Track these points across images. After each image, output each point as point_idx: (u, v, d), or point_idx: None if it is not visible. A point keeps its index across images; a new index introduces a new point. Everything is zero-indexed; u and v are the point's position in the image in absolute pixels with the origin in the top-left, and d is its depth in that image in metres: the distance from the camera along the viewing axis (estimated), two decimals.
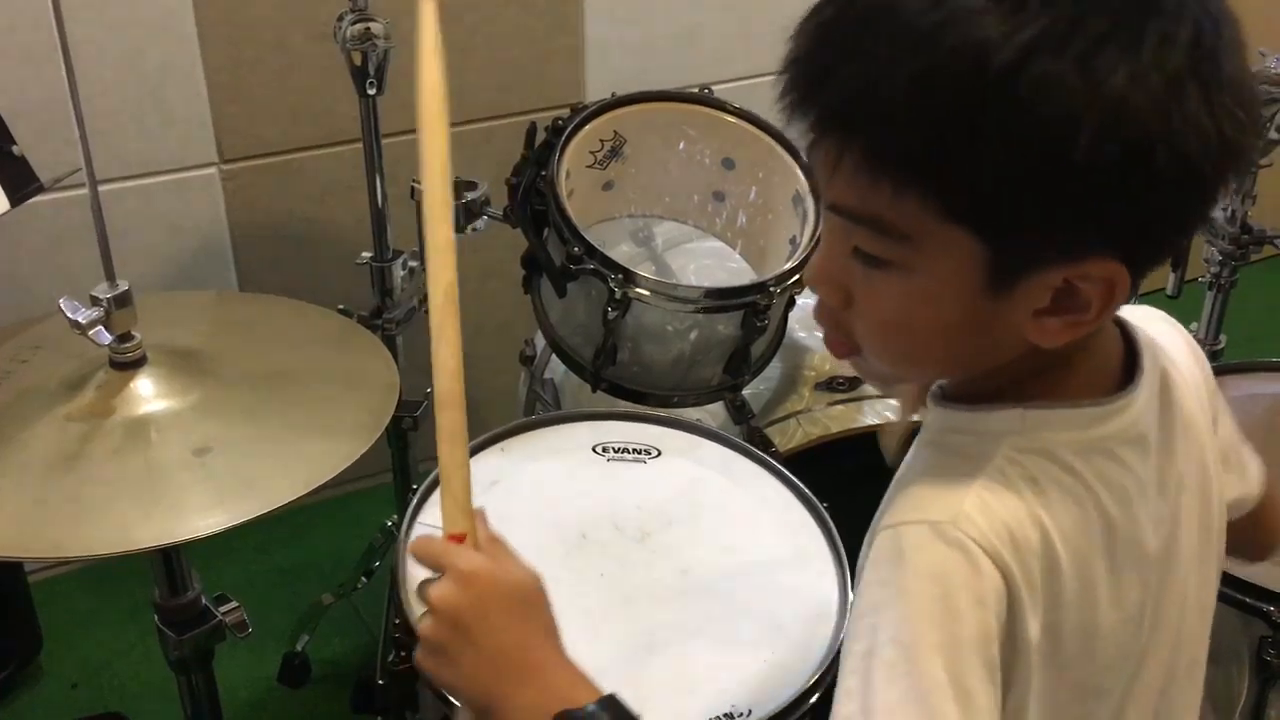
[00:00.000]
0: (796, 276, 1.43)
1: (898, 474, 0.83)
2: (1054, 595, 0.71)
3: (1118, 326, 0.78)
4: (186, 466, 0.99)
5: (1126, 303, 0.70)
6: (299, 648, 1.86)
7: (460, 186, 1.54)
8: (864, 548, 0.78)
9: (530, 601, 0.79)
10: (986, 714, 0.67)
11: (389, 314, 1.54)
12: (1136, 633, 0.78)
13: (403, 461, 1.69)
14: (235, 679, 1.86)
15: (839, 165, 0.66)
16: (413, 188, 1.56)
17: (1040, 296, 0.67)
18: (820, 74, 0.67)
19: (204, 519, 0.96)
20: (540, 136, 1.47)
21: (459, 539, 0.79)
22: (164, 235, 1.94)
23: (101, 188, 1.04)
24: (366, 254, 1.57)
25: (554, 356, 1.74)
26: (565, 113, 1.48)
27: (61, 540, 0.92)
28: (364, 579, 1.82)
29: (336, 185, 2.01)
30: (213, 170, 1.95)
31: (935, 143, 0.63)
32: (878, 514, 0.80)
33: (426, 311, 1.62)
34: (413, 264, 1.61)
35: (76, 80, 1.00)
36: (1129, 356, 0.77)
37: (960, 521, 0.68)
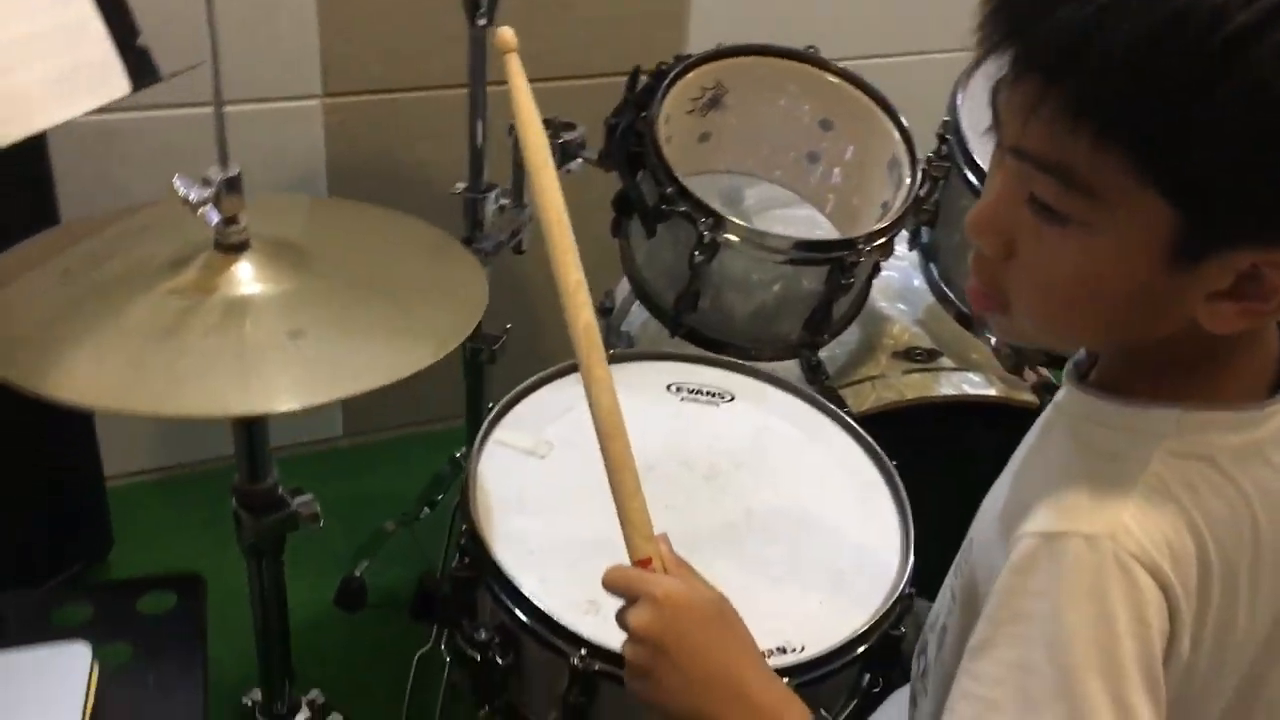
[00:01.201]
0: (884, 239, 1.44)
1: (1025, 455, 0.81)
2: (1205, 604, 0.69)
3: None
4: (279, 347, 1.02)
5: None
6: (357, 572, 1.90)
7: (558, 127, 1.56)
8: (990, 537, 0.76)
9: (726, 618, 0.82)
10: None
11: (478, 244, 1.56)
12: (1266, 642, 0.75)
13: (476, 395, 1.71)
14: (294, 599, 1.90)
15: (1036, 109, 0.63)
16: (510, 126, 1.59)
17: (1222, 278, 0.64)
18: (1033, 10, 0.63)
19: (291, 396, 0.98)
20: (643, 82, 1.48)
21: (645, 564, 0.83)
22: (262, 163, 1.97)
23: (206, 109, 1.07)
24: (461, 184, 1.60)
25: (631, 309, 1.76)
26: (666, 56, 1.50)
27: (158, 398, 0.95)
28: (427, 509, 1.85)
29: (432, 129, 2.04)
30: (316, 103, 1.99)
31: (1152, 103, 0.59)
32: (1000, 498, 0.79)
33: (514, 249, 1.66)
34: (504, 201, 1.63)
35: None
36: None
37: (1120, 536, 0.66)
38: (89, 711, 0.87)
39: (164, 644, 0.95)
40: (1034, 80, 0.63)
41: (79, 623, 0.95)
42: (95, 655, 0.90)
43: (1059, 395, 0.80)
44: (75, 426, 1.83)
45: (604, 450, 0.84)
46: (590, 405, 0.84)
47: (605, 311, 1.78)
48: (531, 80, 2.13)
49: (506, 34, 0.94)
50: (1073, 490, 0.70)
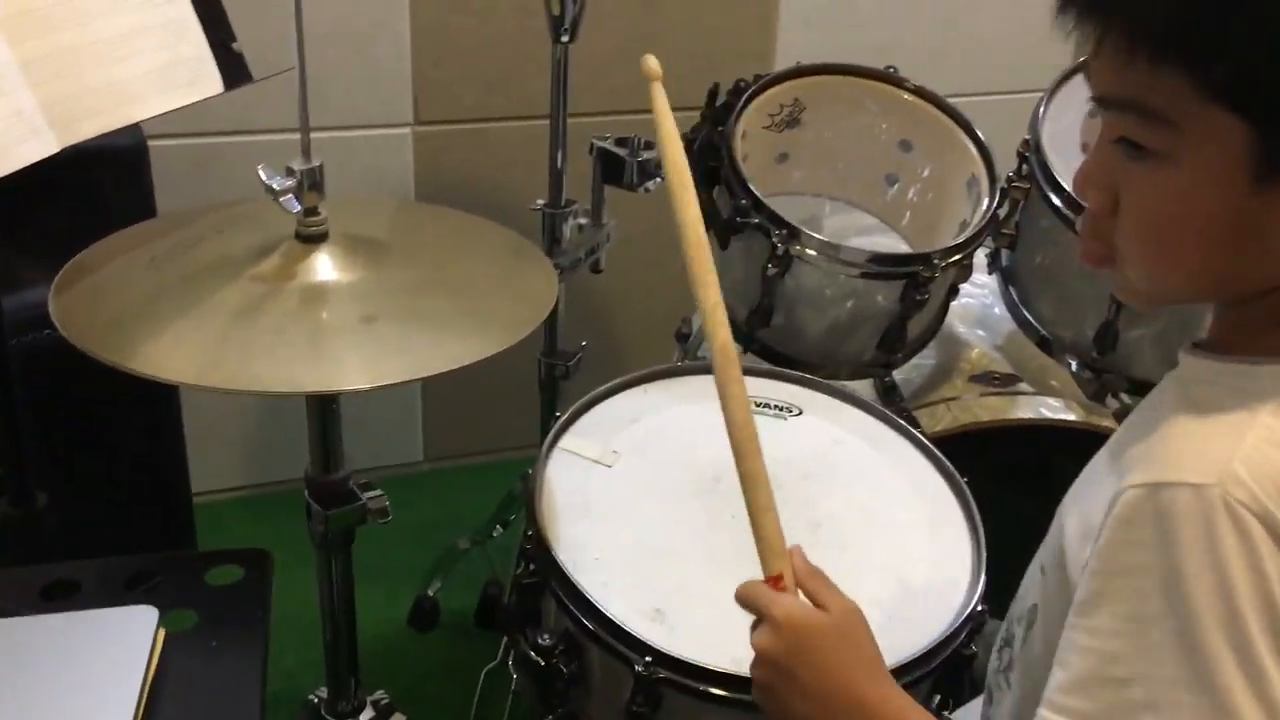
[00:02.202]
0: (961, 254, 1.43)
1: (1129, 420, 0.81)
2: None
3: None
4: (352, 330, 1.05)
5: None
6: (431, 592, 1.91)
7: (638, 146, 1.59)
8: (1087, 497, 0.76)
9: (847, 636, 0.83)
10: None
11: (556, 260, 1.58)
12: None
13: (551, 410, 1.72)
14: (366, 617, 1.92)
15: (1100, 49, 0.66)
16: (592, 145, 1.62)
17: None
18: None
19: (362, 376, 1.01)
20: (722, 98, 1.50)
21: (776, 581, 0.86)
22: (352, 187, 2.04)
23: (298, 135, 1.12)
24: (541, 200, 1.63)
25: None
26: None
27: (234, 375, 0.98)
28: (500, 528, 1.86)
29: (520, 157, 2.09)
30: (407, 130, 2.05)
31: (1193, 12, 0.62)
32: (1101, 460, 0.80)
33: (591, 267, 1.68)
34: (583, 219, 1.65)
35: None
36: None
37: (1228, 484, 0.65)
38: (153, 671, 0.89)
39: (228, 614, 0.97)
40: (1094, 21, 0.66)
41: (149, 589, 0.98)
42: (161, 619, 0.92)
43: (1173, 371, 0.80)
44: (165, 440, 1.89)
45: (739, 469, 0.88)
46: (725, 422, 0.88)
47: (683, 338, 1.79)
48: (615, 112, 2.19)
49: (651, 63, 0.99)
50: (1178, 442, 0.70)
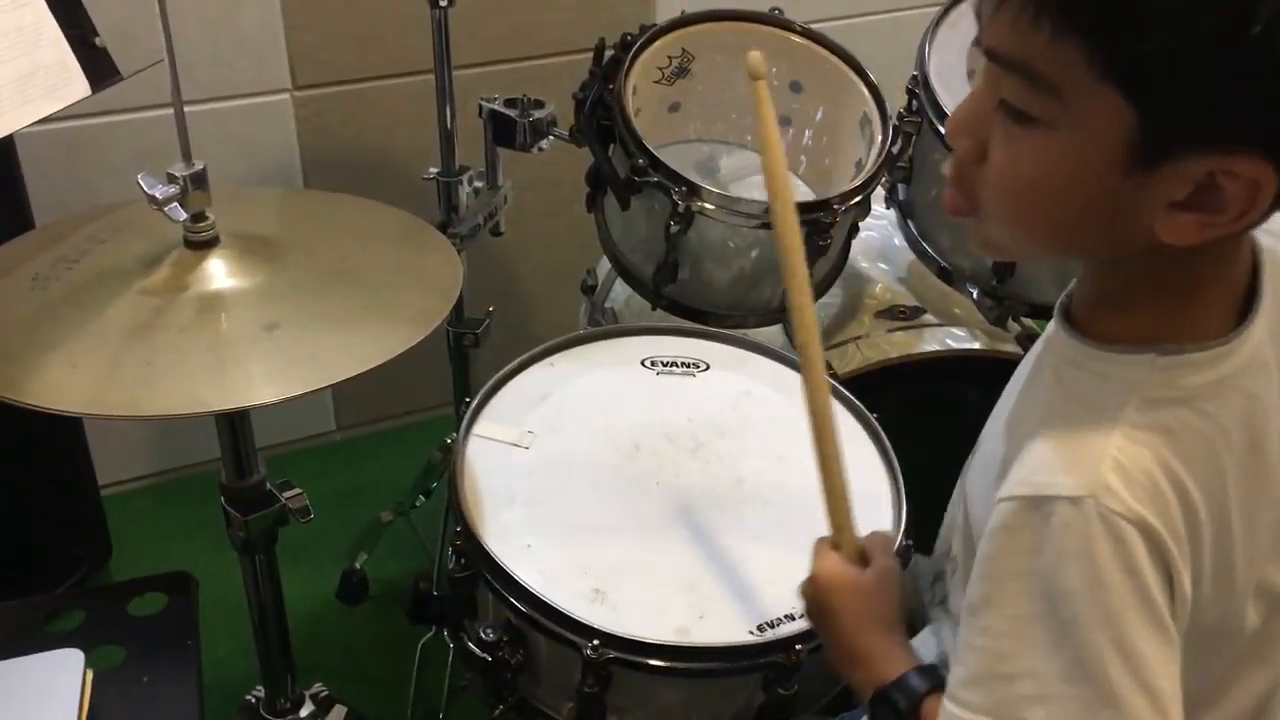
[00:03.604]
0: (859, 198, 1.43)
1: (1018, 395, 0.83)
2: (1196, 542, 0.71)
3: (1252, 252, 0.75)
4: (255, 340, 1.02)
5: (1265, 219, 0.67)
6: (357, 565, 1.90)
7: (527, 105, 1.56)
8: (987, 480, 0.78)
9: (868, 595, 0.94)
10: (1160, 667, 0.68)
11: (454, 229, 1.55)
12: (1272, 555, 0.77)
13: (463, 380, 1.71)
14: (295, 595, 1.89)
15: (1003, 4, 0.65)
16: (480, 106, 1.58)
17: (1179, 187, 0.65)
18: None
19: (269, 388, 0.98)
20: (609, 54, 1.47)
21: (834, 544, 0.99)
22: (235, 158, 1.97)
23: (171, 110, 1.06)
24: (434, 169, 1.59)
25: (614, 285, 1.75)
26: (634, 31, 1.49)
27: (135, 401, 0.95)
28: (422, 497, 1.85)
29: (405, 115, 2.03)
30: (285, 96, 1.98)
31: None
32: (996, 438, 0.82)
33: (491, 231, 1.65)
34: (478, 183, 1.62)
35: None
36: (1253, 279, 0.74)
37: (1102, 495, 0.68)
38: (84, 716, 0.87)
39: (156, 644, 0.95)
40: None
41: (71, 629, 0.95)
42: (88, 660, 0.90)
43: (1048, 328, 0.81)
44: (66, 437, 1.83)
45: (817, 450, 1.02)
46: (809, 411, 1.02)
47: (589, 290, 1.78)
48: (499, 61, 2.13)
49: (756, 60, 1.02)
50: (1053, 447, 0.72)
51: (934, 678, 0.83)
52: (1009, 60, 0.67)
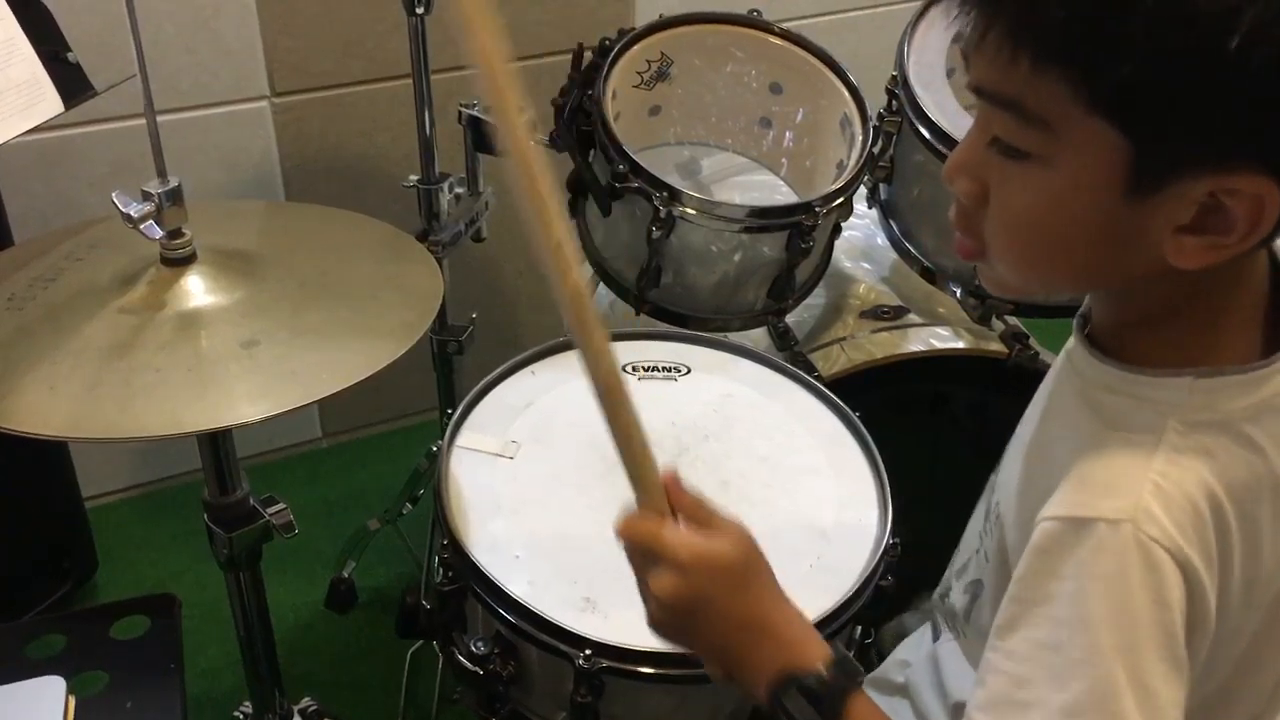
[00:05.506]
0: (841, 199, 1.43)
1: (1039, 420, 0.81)
2: (1226, 558, 0.70)
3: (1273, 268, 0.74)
4: (235, 358, 1.01)
5: (1276, 234, 0.66)
6: (345, 573, 1.89)
7: None
8: (1013, 509, 0.77)
9: (749, 563, 0.80)
10: (1171, 708, 0.67)
11: (435, 236, 1.55)
12: None
13: (447, 388, 1.70)
14: (284, 604, 1.90)
15: (983, 40, 0.65)
16: (460, 112, 1.57)
17: (1183, 211, 0.64)
18: None
19: (250, 407, 0.97)
20: (587, 59, 1.47)
21: (660, 516, 0.79)
22: (215, 167, 1.96)
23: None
24: (414, 177, 1.58)
25: (597, 290, 1.75)
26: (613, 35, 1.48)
27: (114, 423, 0.94)
28: (409, 505, 1.84)
29: (385, 120, 2.03)
30: (264, 103, 1.97)
31: (1079, 18, 0.60)
32: (1017, 466, 0.80)
33: (472, 237, 1.64)
34: (459, 190, 1.61)
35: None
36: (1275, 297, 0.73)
37: (1141, 520, 0.67)
38: None
39: (139, 668, 0.94)
40: (979, 11, 0.65)
41: (53, 654, 0.94)
42: (70, 686, 0.89)
43: (1068, 344, 0.80)
44: (49, 452, 1.82)
45: (606, 415, 0.80)
46: (587, 369, 0.80)
47: None
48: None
49: None
50: (1091, 469, 0.71)
51: (851, 671, 0.78)
52: (995, 96, 0.66)
